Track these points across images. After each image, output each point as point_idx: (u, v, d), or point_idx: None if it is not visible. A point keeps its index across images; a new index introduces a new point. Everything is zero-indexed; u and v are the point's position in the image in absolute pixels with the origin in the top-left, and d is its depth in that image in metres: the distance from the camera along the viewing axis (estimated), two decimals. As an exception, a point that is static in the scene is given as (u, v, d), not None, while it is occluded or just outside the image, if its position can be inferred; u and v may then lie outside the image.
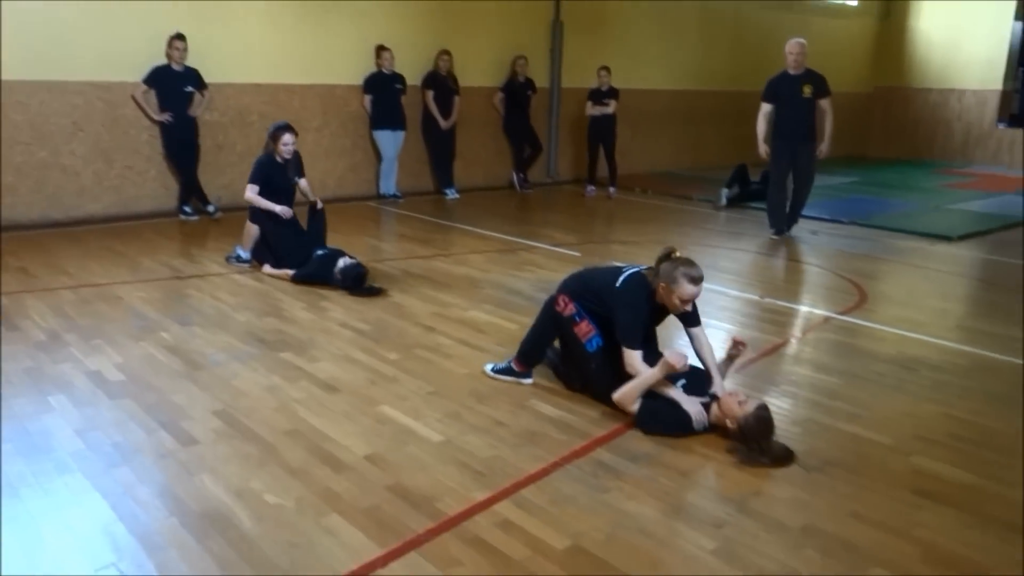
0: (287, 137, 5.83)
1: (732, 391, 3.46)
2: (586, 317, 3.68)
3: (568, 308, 3.70)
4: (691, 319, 3.67)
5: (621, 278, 3.64)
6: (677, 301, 3.50)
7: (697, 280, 3.47)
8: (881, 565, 2.54)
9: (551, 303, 3.77)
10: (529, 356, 3.91)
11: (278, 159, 5.88)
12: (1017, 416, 3.75)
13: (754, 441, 3.19)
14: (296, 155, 5.99)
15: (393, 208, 8.88)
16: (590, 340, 3.66)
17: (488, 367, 4.03)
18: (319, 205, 6.00)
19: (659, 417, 3.42)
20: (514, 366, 3.93)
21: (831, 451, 3.33)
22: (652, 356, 3.52)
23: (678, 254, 3.54)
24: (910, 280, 6.43)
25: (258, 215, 5.87)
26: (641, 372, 3.47)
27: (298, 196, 6.12)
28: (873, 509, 2.88)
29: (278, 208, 5.79)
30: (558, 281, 4.00)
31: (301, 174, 6.14)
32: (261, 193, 5.82)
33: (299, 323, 4.77)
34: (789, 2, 13.73)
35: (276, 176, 5.89)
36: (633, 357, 3.50)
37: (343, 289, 5.39)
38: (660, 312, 3.70)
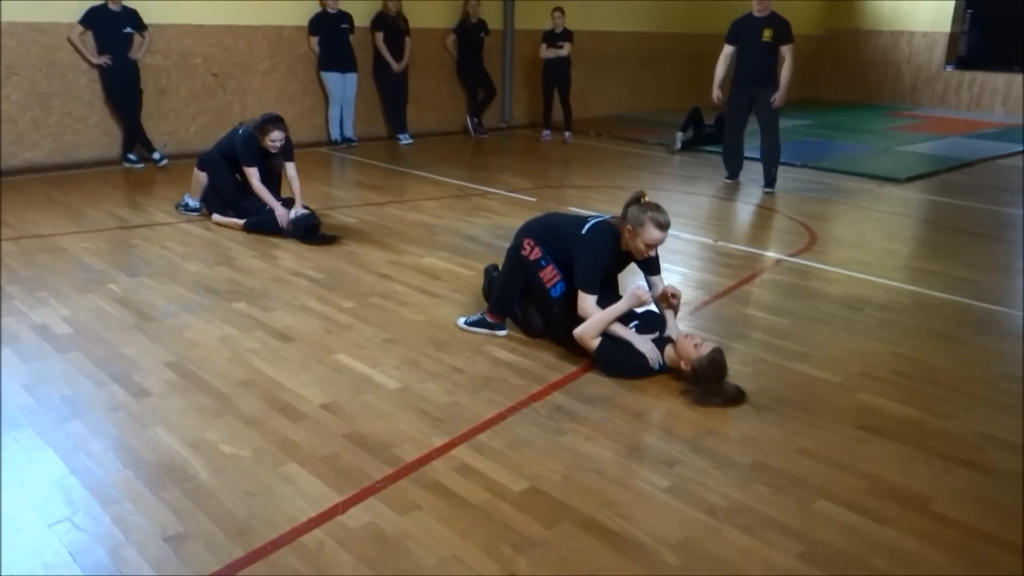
0: (275, 134, 5.37)
1: (688, 333, 3.51)
2: (551, 263, 3.69)
3: (534, 252, 3.70)
4: (652, 266, 3.69)
5: (587, 225, 3.64)
6: (642, 245, 3.50)
7: (664, 226, 3.47)
8: (828, 498, 2.63)
9: (516, 248, 3.76)
10: (501, 305, 3.89)
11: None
12: (958, 352, 3.87)
13: (707, 383, 3.25)
14: (287, 140, 5.52)
15: (346, 154, 8.73)
16: (555, 286, 3.68)
17: (461, 320, 4.00)
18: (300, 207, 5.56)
19: (616, 356, 3.46)
20: (487, 317, 3.91)
21: (781, 390, 3.42)
22: (610, 302, 3.55)
23: (647, 199, 3.53)
24: (859, 222, 6.54)
25: (208, 163, 5.69)
26: (591, 313, 3.50)
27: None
28: (821, 445, 2.97)
29: (279, 210, 5.44)
30: (513, 227, 3.99)
31: (290, 158, 5.61)
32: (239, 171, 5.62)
33: (251, 273, 4.70)
34: (744, -58, 13.58)
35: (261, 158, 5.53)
36: (587, 301, 3.52)
37: (295, 239, 5.31)
38: (622, 260, 3.72)
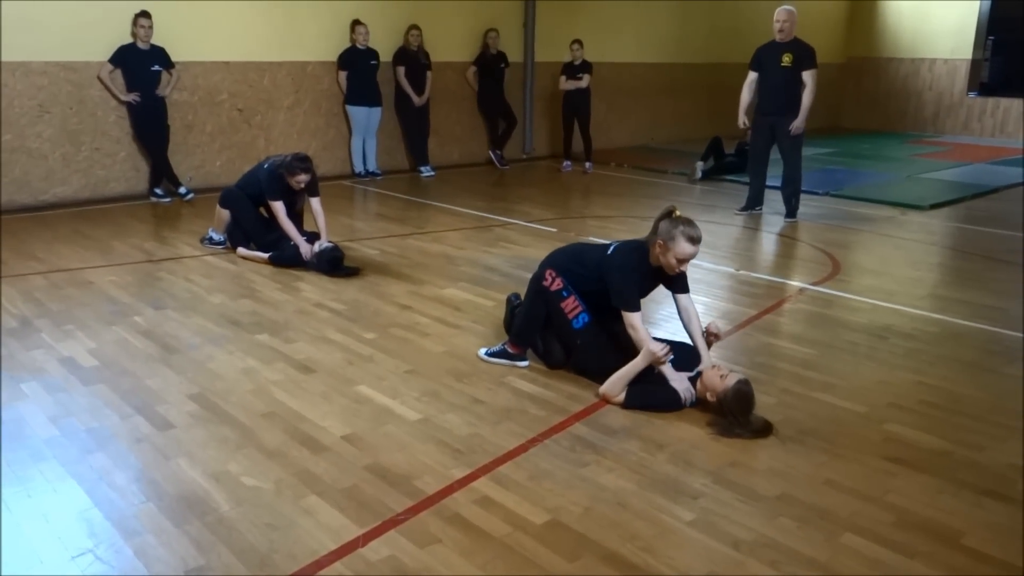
0: (302, 176, 5.45)
1: (715, 364, 3.48)
2: (573, 293, 3.67)
3: (556, 283, 3.69)
4: (680, 285, 3.67)
5: (612, 247, 3.66)
6: (673, 260, 3.47)
7: (696, 240, 3.45)
8: (855, 531, 2.58)
9: (538, 279, 3.75)
10: (523, 336, 3.85)
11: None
12: (986, 381, 3.81)
13: (734, 415, 3.22)
14: (312, 175, 5.57)
15: (368, 187, 8.82)
16: (576, 317, 3.66)
17: (482, 352, 3.97)
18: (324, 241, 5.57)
19: (647, 399, 3.43)
20: (508, 348, 3.88)
21: (806, 420, 3.37)
22: (614, 328, 3.55)
23: (678, 214, 3.53)
24: (882, 250, 6.48)
25: (229, 200, 5.76)
26: (641, 333, 3.46)
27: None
28: (847, 477, 2.92)
29: (303, 246, 5.47)
30: (534, 257, 4.00)
31: (315, 192, 5.69)
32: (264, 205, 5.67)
33: (274, 305, 4.74)
34: (762, -27, 13.69)
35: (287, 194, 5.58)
36: (634, 319, 3.47)
37: (319, 272, 5.36)
38: (653, 278, 3.69)
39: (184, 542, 2.47)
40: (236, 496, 2.72)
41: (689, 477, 2.91)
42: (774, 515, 2.67)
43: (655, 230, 3.54)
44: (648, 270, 3.61)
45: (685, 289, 3.69)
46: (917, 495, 2.81)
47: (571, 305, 3.67)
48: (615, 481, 2.86)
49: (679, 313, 3.71)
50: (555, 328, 3.79)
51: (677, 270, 3.55)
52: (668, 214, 3.52)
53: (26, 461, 2.92)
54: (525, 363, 3.86)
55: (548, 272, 3.73)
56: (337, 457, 2.99)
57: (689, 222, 3.49)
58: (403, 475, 2.87)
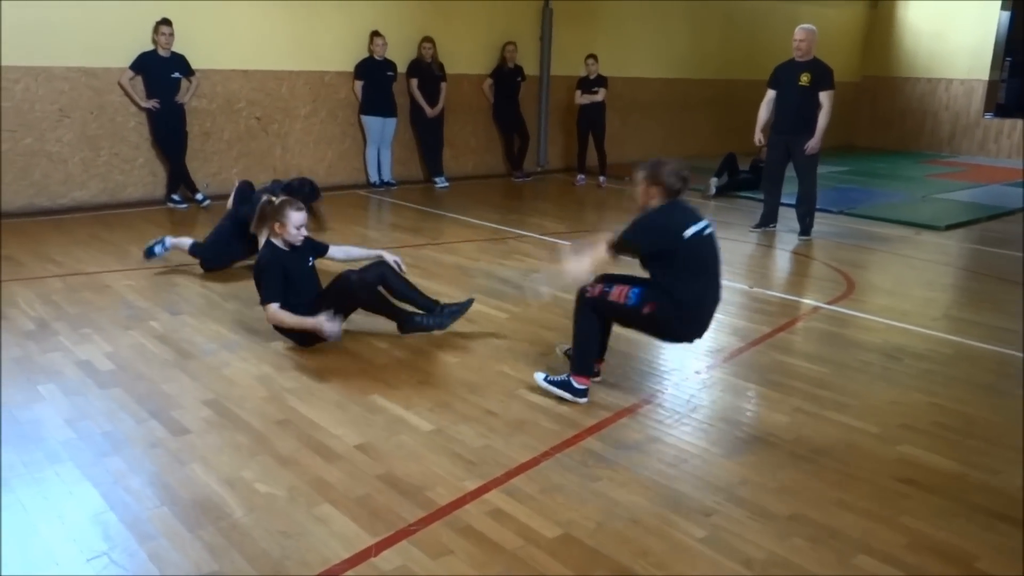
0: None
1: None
2: (615, 284, 3.60)
3: (597, 288, 3.61)
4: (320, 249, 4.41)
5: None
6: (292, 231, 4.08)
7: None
8: (867, 552, 2.58)
9: (581, 296, 3.64)
10: (585, 362, 3.64)
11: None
12: (1001, 404, 3.79)
13: None
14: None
15: (383, 197, 8.86)
16: (628, 296, 3.53)
17: (540, 377, 3.72)
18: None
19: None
20: (575, 382, 3.61)
21: (819, 440, 3.36)
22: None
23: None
24: (897, 270, 6.47)
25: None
26: (595, 252, 3.57)
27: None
28: (860, 497, 2.91)
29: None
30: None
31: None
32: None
33: (289, 312, 4.76)
34: (779, -9, 13.74)
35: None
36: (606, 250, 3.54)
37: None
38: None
39: (198, 547, 2.48)
40: (250, 502, 2.74)
41: (702, 494, 2.91)
42: (786, 534, 2.66)
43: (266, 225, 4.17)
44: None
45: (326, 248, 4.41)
46: (930, 517, 2.80)
47: (617, 292, 3.55)
48: (627, 496, 2.86)
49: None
50: (625, 323, 3.70)
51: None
52: (267, 203, 4.12)
53: (42, 463, 2.95)
54: (584, 400, 3.62)
55: (587, 286, 3.64)
56: (350, 466, 3.01)
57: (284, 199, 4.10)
58: (416, 485, 2.88)
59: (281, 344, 4.21)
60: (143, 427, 3.26)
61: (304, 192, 5.26)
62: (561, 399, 3.62)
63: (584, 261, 3.58)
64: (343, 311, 4.20)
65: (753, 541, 2.62)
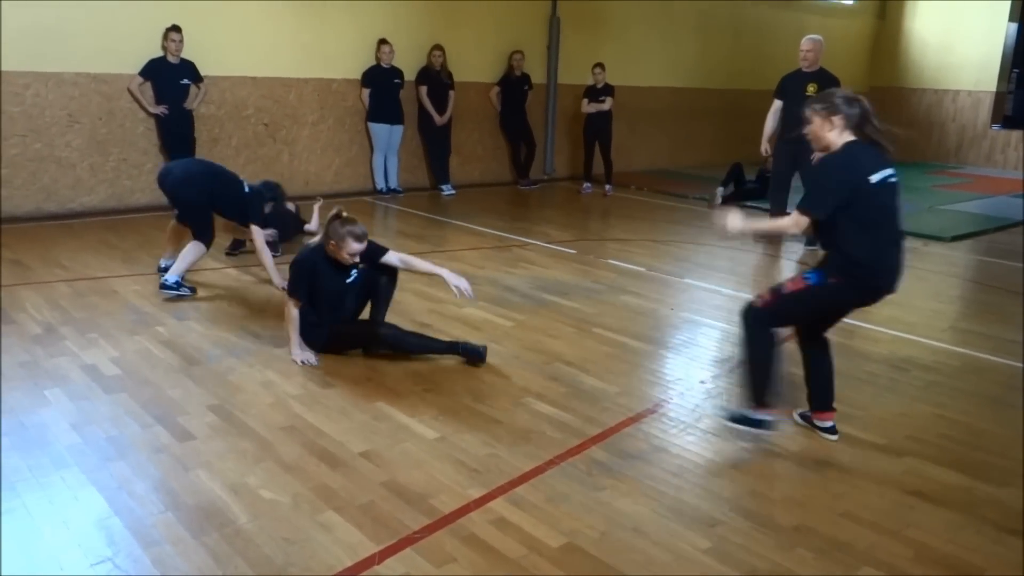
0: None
1: None
2: (785, 282, 3.33)
3: (766, 296, 3.32)
4: (379, 254, 4.26)
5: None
6: (346, 256, 4.00)
7: (361, 237, 4.00)
8: (873, 565, 2.56)
9: (749, 313, 3.34)
10: (760, 390, 3.29)
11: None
12: (1008, 417, 3.77)
13: None
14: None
15: (389, 204, 8.88)
16: (807, 280, 3.25)
17: (726, 417, 3.42)
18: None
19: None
20: (755, 414, 3.29)
21: (825, 451, 3.35)
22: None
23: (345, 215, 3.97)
24: (903, 281, 6.42)
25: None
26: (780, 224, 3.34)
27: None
28: (866, 509, 2.90)
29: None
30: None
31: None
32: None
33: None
34: (787, 1, 13.75)
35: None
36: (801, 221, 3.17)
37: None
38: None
39: (202, 553, 2.48)
40: (254, 509, 2.74)
41: (706, 504, 2.90)
42: (791, 546, 2.65)
43: (325, 232, 3.98)
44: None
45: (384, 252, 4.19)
46: (937, 530, 2.79)
47: (793, 285, 3.27)
48: (632, 506, 2.86)
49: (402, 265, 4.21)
50: (811, 314, 3.40)
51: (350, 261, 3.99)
52: (336, 216, 3.94)
53: (48, 467, 2.96)
54: (770, 430, 3.31)
55: (755, 299, 3.37)
56: (355, 473, 3.01)
57: (352, 221, 3.95)
58: (420, 493, 2.88)
59: (287, 350, 4.21)
60: (148, 432, 3.26)
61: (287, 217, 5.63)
62: (759, 433, 3.33)
63: (747, 223, 3.31)
64: (351, 346, 4.25)
65: (758, 552, 2.61)
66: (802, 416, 3.58)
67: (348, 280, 4.17)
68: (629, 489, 2.97)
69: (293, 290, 4.07)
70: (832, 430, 3.47)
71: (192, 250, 5.11)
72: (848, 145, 3.19)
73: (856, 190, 3.11)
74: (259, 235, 5.23)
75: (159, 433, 3.26)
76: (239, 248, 6.04)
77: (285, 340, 4.35)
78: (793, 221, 3.20)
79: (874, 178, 3.13)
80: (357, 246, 3.99)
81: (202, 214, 5.24)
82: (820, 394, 3.51)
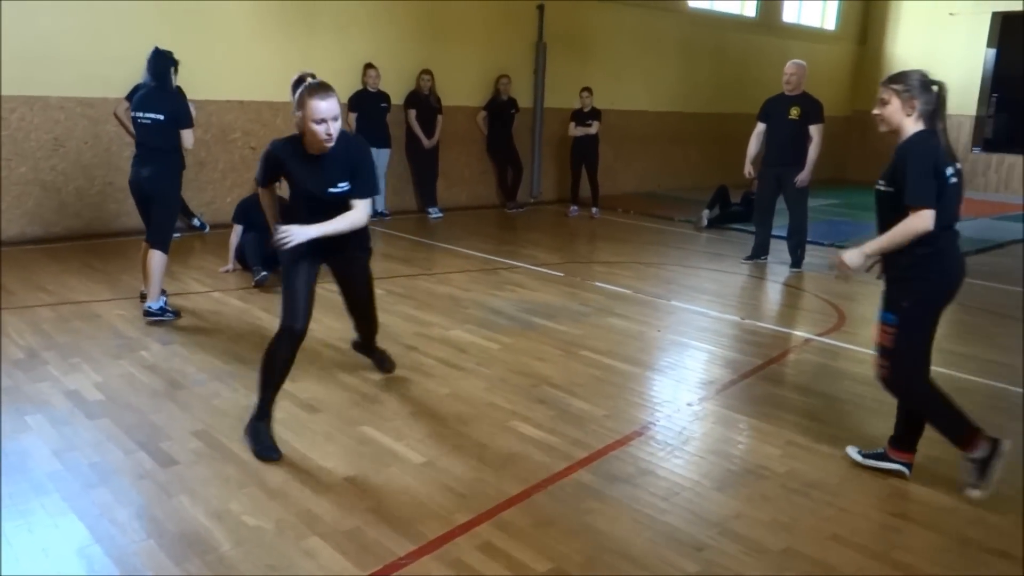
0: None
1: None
2: (876, 338, 3.31)
3: (883, 362, 3.27)
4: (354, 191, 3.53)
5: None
6: (312, 125, 3.25)
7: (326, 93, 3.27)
8: (861, 588, 2.56)
9: (893, 384, 3.27)
10: (964, 426, 3.22)
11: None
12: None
13: None
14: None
15: (376, 227, 8.86)
16: (886, 322, 3.24)
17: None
18: None
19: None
20: (981, 452, 3.18)
21: (812, 473, 3.35)
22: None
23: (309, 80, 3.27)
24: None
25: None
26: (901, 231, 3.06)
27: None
28: (853, 532, 2.90)
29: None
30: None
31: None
32: None
33: (280, 342, 4.74)
34: (770, 26, 13.93)
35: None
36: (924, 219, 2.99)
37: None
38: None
39: (184, 581, 2.45)
40: (237, 535, 2.71)
41: (694, 528, 2.89)
42: (779, 569, 2.64)
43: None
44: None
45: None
46: (924, 552, 2.79)
47: (887, 336, 3.22)
48: (619, 530, 2.84)
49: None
50: (916, 347, 3.28)
51: (320, 135, 3.21)
52: (299, 80, 3.24)
53: (28, 494, 2.92)
54: (1004, 455, 3.16)
55: (880, 373, 3.30)
56: (339, 498, 2.98)
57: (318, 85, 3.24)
58: (406, 518, 2.85)
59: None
60: (131, 458, 3.23)
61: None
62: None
63: (868, 246, 3.22)
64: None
65: (745, 576, 2.60)
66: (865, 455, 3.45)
67: (328, 187, 3.46)
68: (616, 513, 2.96)
69: (257, 175, 3.61)
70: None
71: (157, 265, 5.02)
72: (927, 134, 3.09)
73: (940, 183, 3.00)
74: (189, 137, 5.27)
75: (142, 459, 3.22)
76: (264, 277, 5.92)
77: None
78: (919, 219, 3.00)
79: (948, 171, 3.06)
80: (322, 104, 3.26)
81: (171, 202, 5.19)
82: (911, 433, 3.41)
